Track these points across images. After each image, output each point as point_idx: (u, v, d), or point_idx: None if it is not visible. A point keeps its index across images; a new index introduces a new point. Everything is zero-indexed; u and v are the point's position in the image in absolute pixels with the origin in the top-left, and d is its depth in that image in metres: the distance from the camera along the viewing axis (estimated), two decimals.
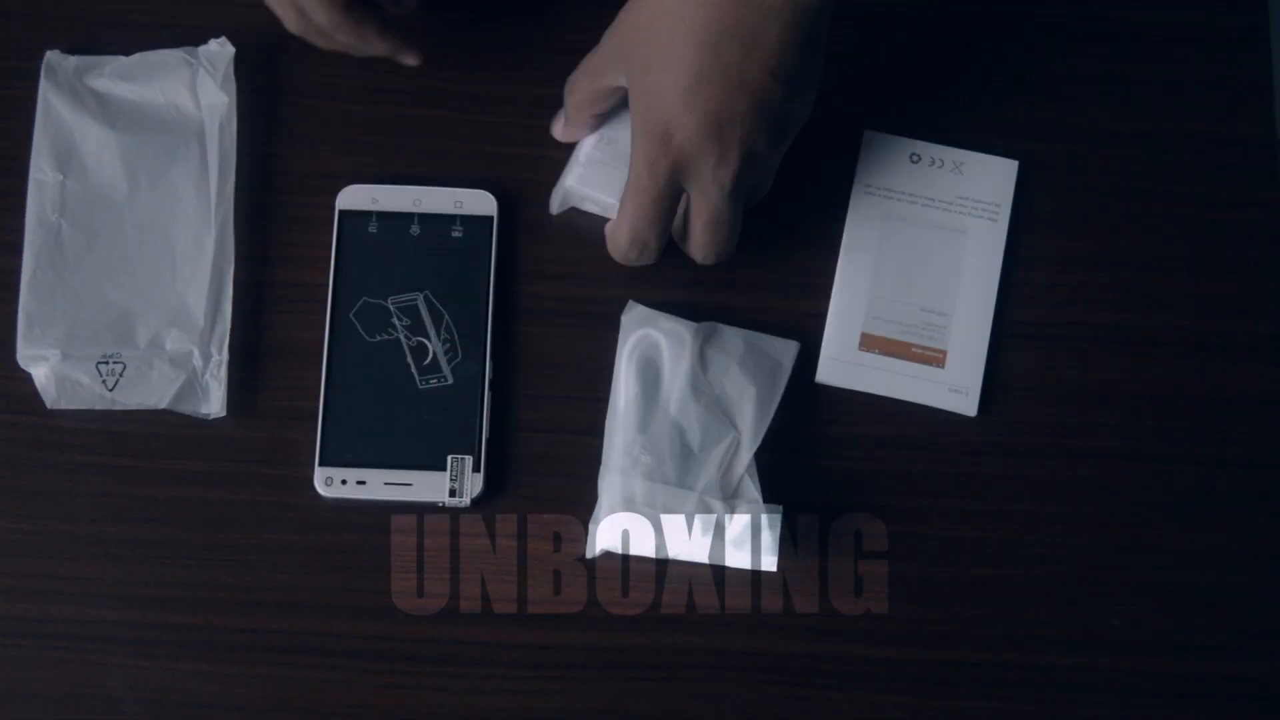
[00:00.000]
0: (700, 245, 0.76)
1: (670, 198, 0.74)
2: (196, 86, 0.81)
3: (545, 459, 0.79)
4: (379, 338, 0.79)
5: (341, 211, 0.81)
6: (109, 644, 0.77)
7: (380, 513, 0.78)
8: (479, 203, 0.81)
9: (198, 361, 0.78)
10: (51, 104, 0.81)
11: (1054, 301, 0.82)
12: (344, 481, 0.78)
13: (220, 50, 0.81)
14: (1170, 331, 0.82)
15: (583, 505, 0.78)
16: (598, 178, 0.80)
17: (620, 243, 0.76)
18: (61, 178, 0.80)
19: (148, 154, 0.81)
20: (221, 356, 0.78)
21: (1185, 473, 0.80)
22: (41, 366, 0.78)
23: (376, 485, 0.78)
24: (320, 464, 0.78)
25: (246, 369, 0.80)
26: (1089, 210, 0.84)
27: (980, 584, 0.79)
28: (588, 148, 0.80)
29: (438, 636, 0.77)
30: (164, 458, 0.79)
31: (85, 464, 0.79)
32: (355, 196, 0.81)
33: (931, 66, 0.85)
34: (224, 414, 0.78)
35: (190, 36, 0.82)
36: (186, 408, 0.78)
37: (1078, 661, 0.78)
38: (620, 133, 0.79)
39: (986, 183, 0.83)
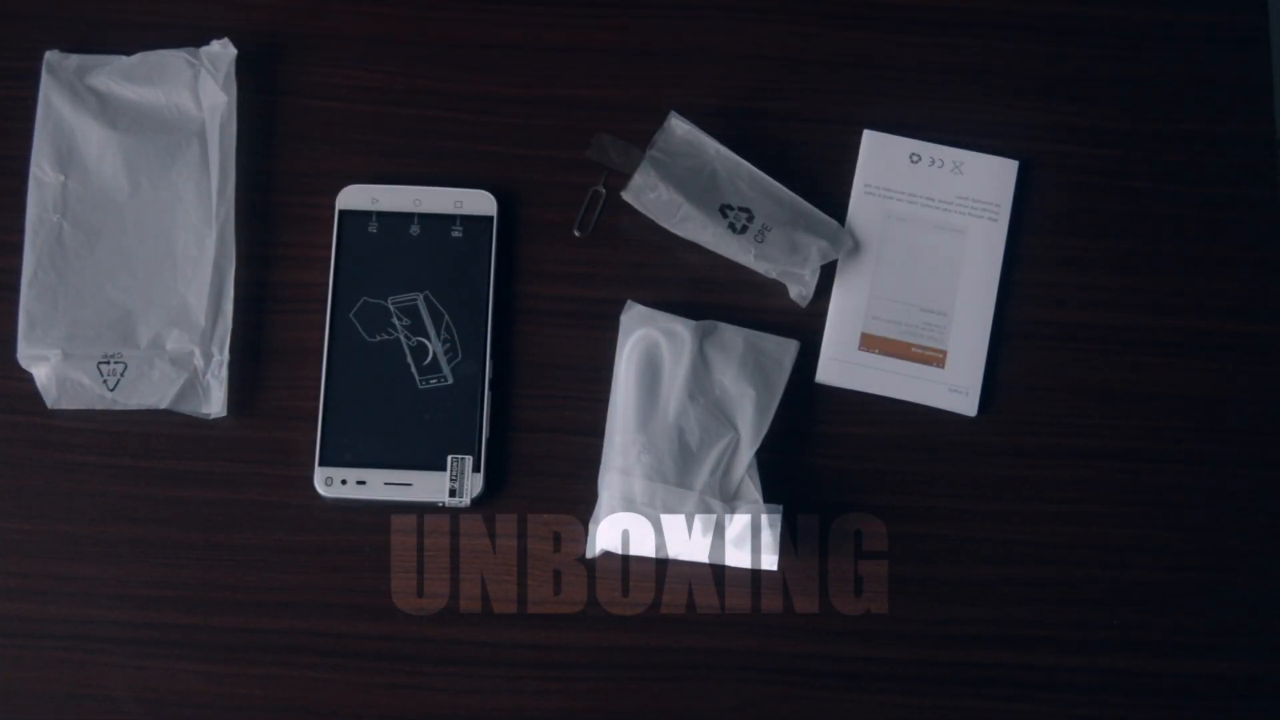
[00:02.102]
0: None
1: None
2: (198, 87, 0.81)
3: (545, 459, 0.79)
4: (379, 338, 0.79)
5: (341, 211, 0.81)
6: (109, 644, 0.77)
7: (380, 513, 0.78)
8: (479, 203, 0.81)
9: (199, 361, 0.78)
10: (52, 104, 0.81)
11: (1054, 301, 0.82)
12: (344, 481, 0.78)
13: (222, 51, 0.81)
14: (1170, 331, 0.82)
15: (583, 505, 0.78)
16: None
17: None
18: (63, 178, 0.80)
19: (149, 154, 0.81)
20: (223, 356, 0.78)
21: (1185, 473, 0.80)
22: (43, 366, 0.78)
23: (376, 485, 0.78)
24: (320, 464, 0.78)
25: (246, 369, 0.80)
26: (1089, 210, 0.84)
27: (980, 584, 0.79)
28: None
29: (438, 636, 0.77)
30: (164, 458, 0.79)
31: (85, 464, 0.79)
32: (355, 196, 0.81)
33: (931, 66, 0.85)
34: (225, 414, 0.78)
35: (190, 36, 0.82)
36: (187, 408, 0.78)
37: (1078, 661, 0.78)
38: None
39: (986, 183, 0.83)
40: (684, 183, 0.80)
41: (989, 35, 0.85)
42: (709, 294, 0.81)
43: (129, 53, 0.82)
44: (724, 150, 0.81)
